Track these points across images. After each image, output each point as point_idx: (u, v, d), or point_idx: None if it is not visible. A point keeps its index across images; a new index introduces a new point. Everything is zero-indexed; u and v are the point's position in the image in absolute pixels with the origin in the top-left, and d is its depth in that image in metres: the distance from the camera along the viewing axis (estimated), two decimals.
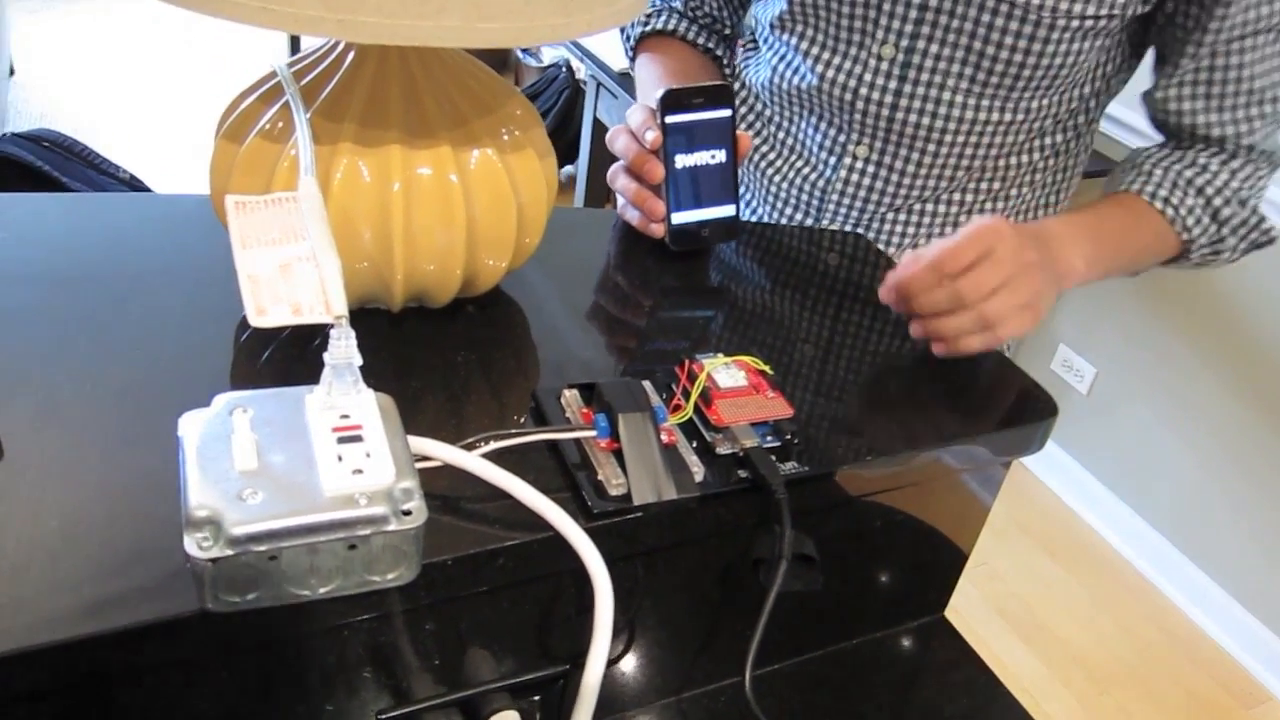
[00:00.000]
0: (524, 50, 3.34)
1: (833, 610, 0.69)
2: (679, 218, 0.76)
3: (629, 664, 0.62)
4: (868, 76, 0.88)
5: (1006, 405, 0.67)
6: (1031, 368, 2.32)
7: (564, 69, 3.09)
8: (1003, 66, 0.83)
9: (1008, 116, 0.88)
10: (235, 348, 0.59)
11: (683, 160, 0.76)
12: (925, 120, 0.88)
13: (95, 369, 0.56)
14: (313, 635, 0.49)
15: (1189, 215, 0.86)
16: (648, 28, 1.04)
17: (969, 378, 0.69)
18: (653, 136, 0.74)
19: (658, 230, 0.77)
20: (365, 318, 0.63)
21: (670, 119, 0.74)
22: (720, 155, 0.77)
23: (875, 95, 0.88)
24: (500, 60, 3.55)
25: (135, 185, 2.28)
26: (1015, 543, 2.18)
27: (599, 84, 2.22)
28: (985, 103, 0.86)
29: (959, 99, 0.86)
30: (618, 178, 0.79)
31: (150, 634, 0.43)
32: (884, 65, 0.87)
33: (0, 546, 0.44)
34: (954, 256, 0.67)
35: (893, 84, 0.87)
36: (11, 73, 2.79)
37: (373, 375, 0.60)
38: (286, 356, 0.59)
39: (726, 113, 0.77)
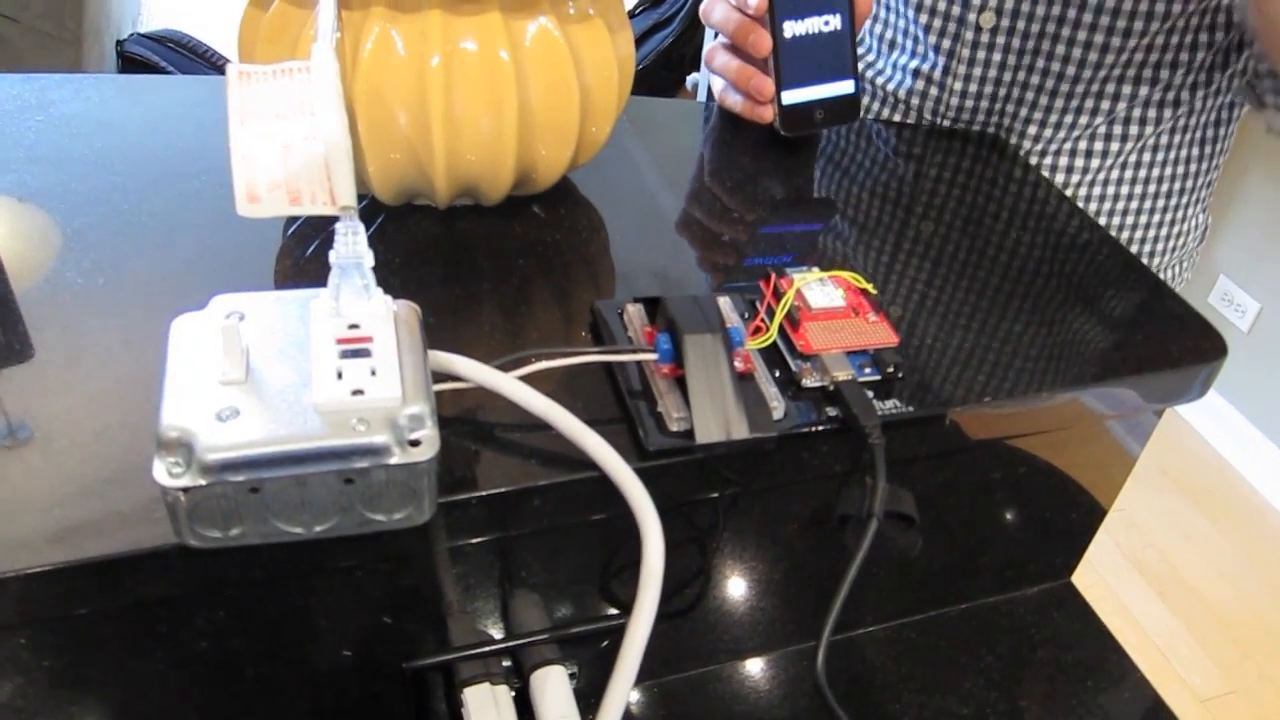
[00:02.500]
0: None
1: (937, 571, 0.60)
2: (790, 96, 0.66)
3: (693, 621, 0.55)
4: None
5: (1161, 342, 0.56)
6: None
7: None
8: None
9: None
10: (283, 239, 0.53)
11: (793, 28, 0.64)
12: None
13: (116, 259, 0.51)
14: (322, 573, 0.43)
15: None
16: None
17: (1115, 307, 0.57)
18: (757, 0, 0.64)
19: (767, 114, 0.67)
20: (411, 215, 0.56)
21: None
22: (835, 21, 0.65)
23: None
24: None
25: None
26: (1157, 490, 2.02)
27: None
28: None
29: None
30: (716, 56, 0.68)
31: (125, 566, 0.38)
32: None
33: None
34: None
35: None
36: None
37: (415, 281, 0.53)
38: None
39: None
